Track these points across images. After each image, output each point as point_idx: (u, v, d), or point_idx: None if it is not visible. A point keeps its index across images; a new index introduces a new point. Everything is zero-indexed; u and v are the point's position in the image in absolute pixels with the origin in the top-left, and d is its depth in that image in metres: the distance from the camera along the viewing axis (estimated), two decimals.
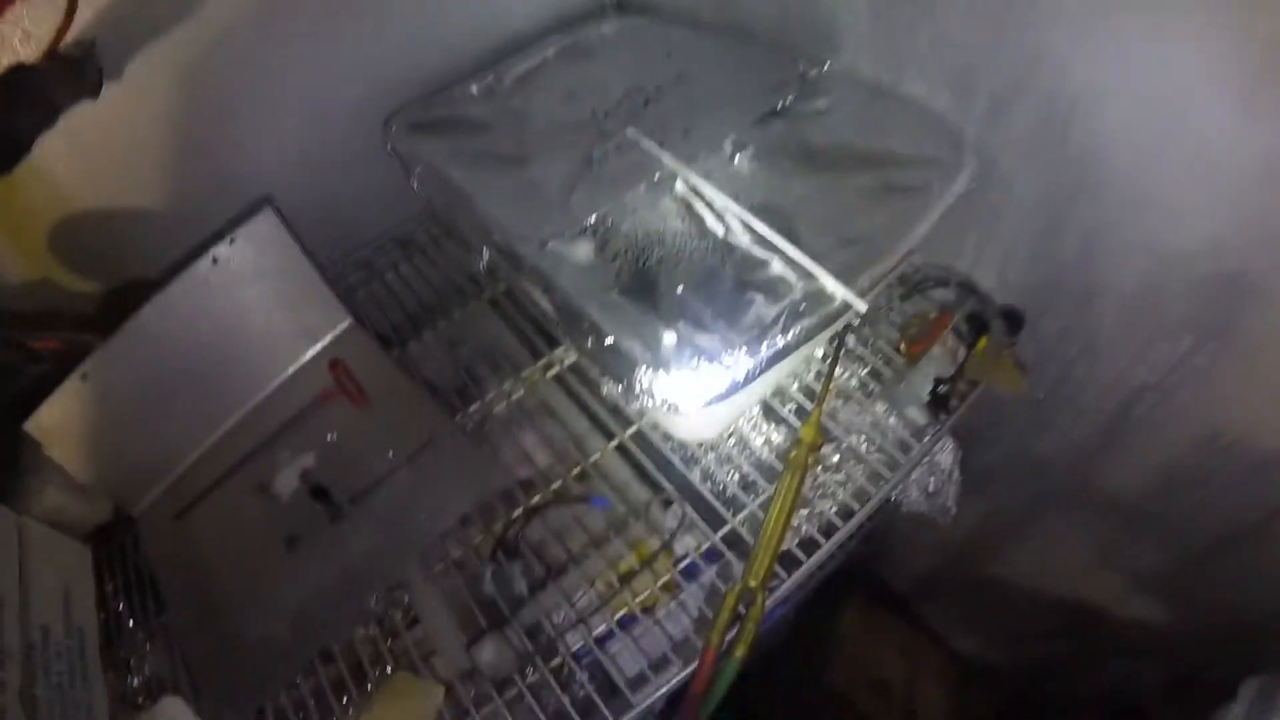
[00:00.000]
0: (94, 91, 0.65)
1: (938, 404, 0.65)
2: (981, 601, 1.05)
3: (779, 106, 0.67)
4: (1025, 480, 0.86)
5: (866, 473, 0.64)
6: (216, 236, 0.72)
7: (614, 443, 0.66)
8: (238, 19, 0.69)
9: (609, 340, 0.52)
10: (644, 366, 0.51)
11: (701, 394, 0.51)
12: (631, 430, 0.66)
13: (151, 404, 0.73)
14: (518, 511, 0.64)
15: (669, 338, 0.52)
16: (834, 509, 0.63)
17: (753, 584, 0.57)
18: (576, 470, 0.66)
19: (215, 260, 0.71)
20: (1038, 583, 0.94)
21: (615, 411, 0.69)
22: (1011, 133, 0.64)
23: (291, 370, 0.78)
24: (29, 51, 0.61)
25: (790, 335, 0.52)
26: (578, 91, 0.72)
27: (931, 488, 0.75)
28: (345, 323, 0.78)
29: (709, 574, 0.61)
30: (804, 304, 0.53)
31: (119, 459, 0.73)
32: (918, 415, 0.65)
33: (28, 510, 0.69)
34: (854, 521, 0.62)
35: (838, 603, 1.08)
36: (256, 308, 0.75)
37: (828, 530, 0.62)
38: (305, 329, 0.78)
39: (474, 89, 0.75)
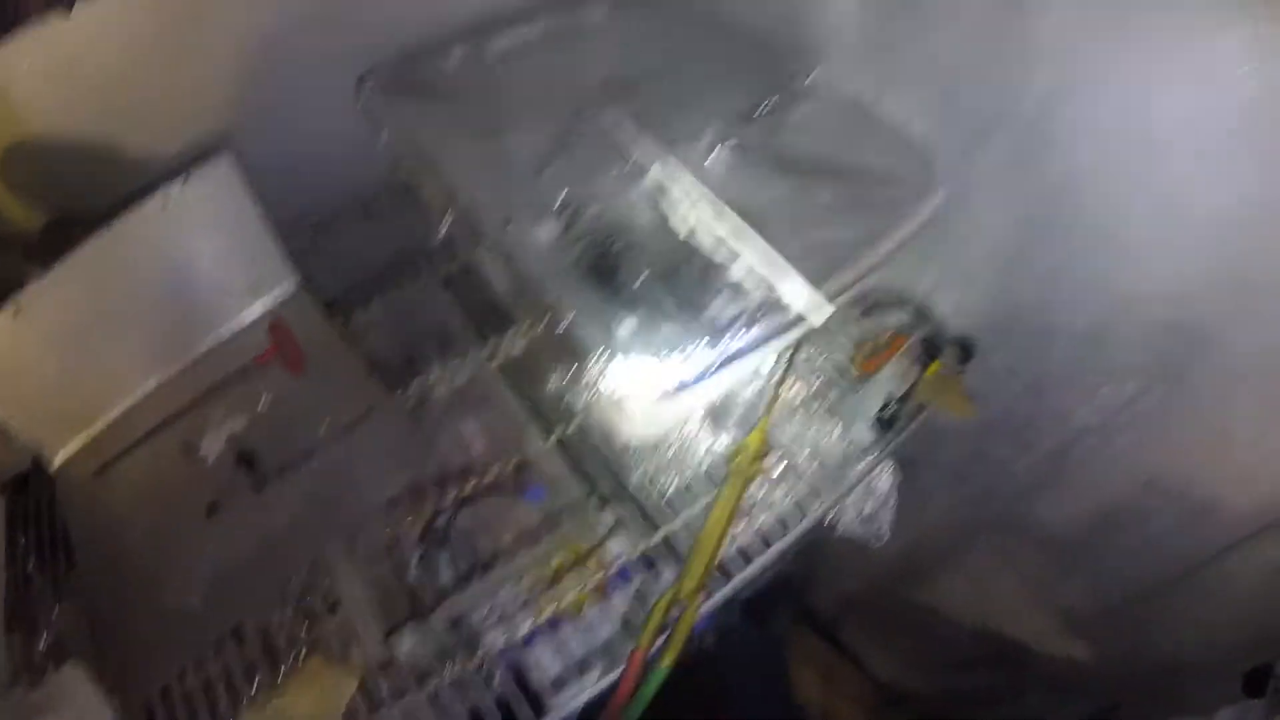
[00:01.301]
0: (69, 6, 0.60)
1: (885, 424, 0.65)
2: (905, 627, 1.06)
3: (759, 109, 0.66)
4: (960, 510, 0.87)
5: (807, 488, 0.63)
6: (171, 177, 0.67)
7: (554, 436, 0.64)
8: None
9: (567, 320, 0.50)
10: (601, 350, 0.49)
11: (656, 384, 0.49)
12: (574, 424, 0.64)
13: (83, 347, 0.68)
14: (449, 498, 0.61)
15: (628, 324, 0.51)
16: (771, 522, 0.62)
17: (685, 592, 0.56)
18: (514, 461, 0.63)
19: (166, 201, 0.67)
20: (963, 612, 0.95)
21: (559, 405, 0.66)
22: (987, 162, 0.64)
23: (231, 327, 0.73)
24: None
25: (748, 338, 0.51)
26: (560, 71, 0.70)
27: (867, 510, 0.75)
28: (291, 284, 0.74)
29: (640, 578, 0.59)
30: (764, 308, 0.52)
31: (43, 404, 0.68)
32: (864, 433, 0.65)
33: None
34: (790, 536, 0.61)
35: (763, 621, 1.06)
36: (202, 256, 0.71)
37: (764, 543, 0.61)
38: (250, 285, 0.74)
39: (456, 56, 0.72)
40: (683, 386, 0.49)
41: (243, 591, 0.60)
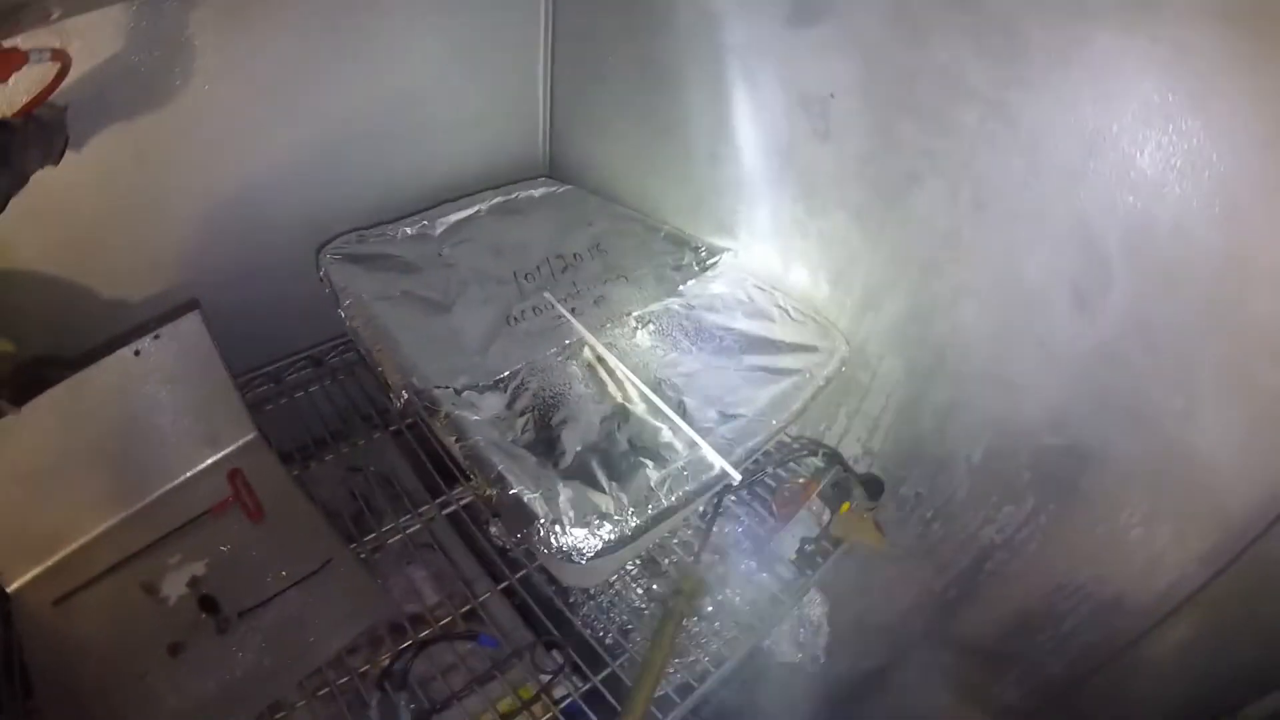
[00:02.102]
0: (58, 158, 0.67)
1: (804, 561, 0.75)
2: None
3: (679, 287, 0.79)
4: (891, 629, 0.95)
5: (738, 624, 0.72)
6: (140, 329, 0.75)
7: (503, 585, 0.72)
8: (200, 114, 0.76)
9: (513, 491, 0.59)
10: (542, 519, 0.58)
11: (592, 548, 0.57)
12: (520, 574, 0.72)
13: (46, 482, 0.74)
14: (407, 644, 0.68)
15: (565, 494, 0.60)
16: (707, 657, 0.70)
17: None
18: (466, 608, 0.71)
19: (137, 352, 0.75)
20: None
21: (504, 553, 0.74)
22: (880, 321, 0.76)
23: (191, 473, 0.81)
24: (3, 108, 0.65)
25: (674, 498, 0.60)
26: (504, 248, 0.82)
27: (802, 638, 0.84)
28: (250, 435, 0.82)
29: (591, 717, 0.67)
30: (687, 470, 0.62)
31: (4, 530, 0.74)
32: (785, 571, 0.75)
33: None
34: (725, 668, 0.69)
35: None
36: (167, 405, 0.78)
37: (701, 677, 0.69)
38: (210, 435, 0.81)
39: (408, 230, 0.84)
40: (616, 547, 0.58)
41: None
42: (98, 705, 0.67)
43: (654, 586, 0.74)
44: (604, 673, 0.68)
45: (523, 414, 0.66)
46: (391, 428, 0.85)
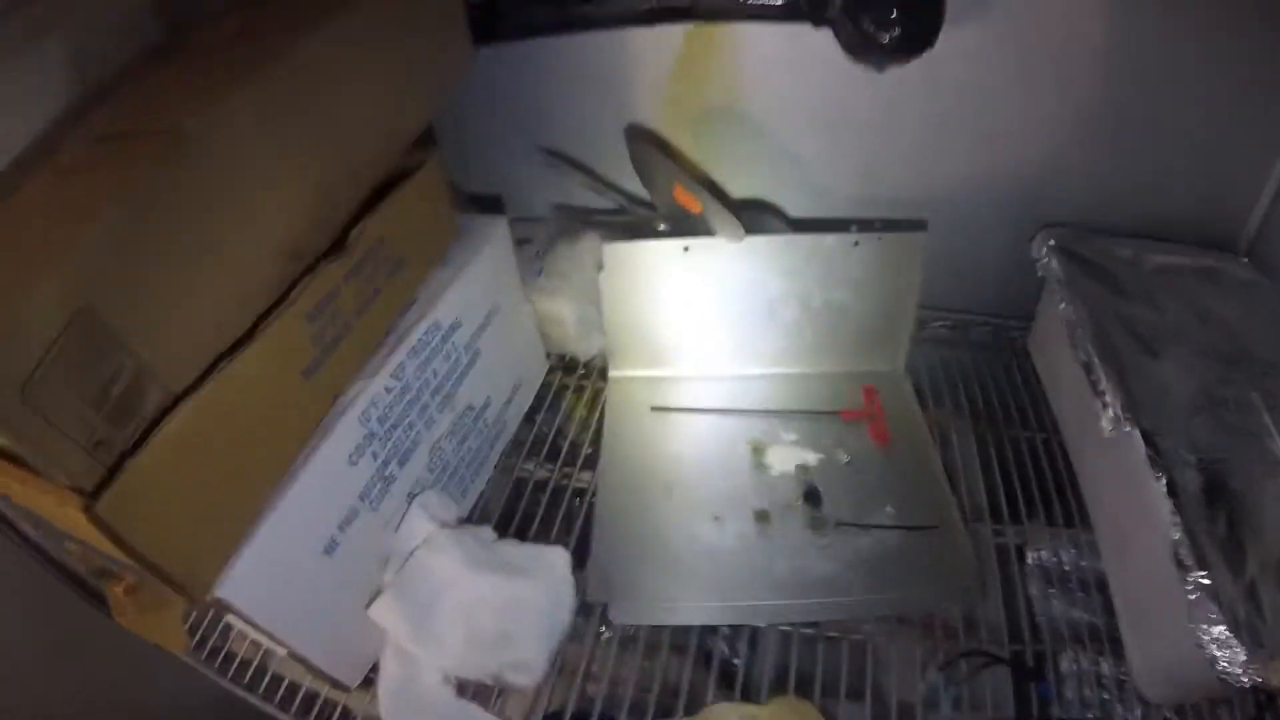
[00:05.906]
0: None
1: None
2: None
3: None
4: None
5: None
6: (866, 225, 0.93)
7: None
8: None
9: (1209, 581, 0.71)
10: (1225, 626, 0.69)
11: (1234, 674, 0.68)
12: None
13: (697, 309, 0.98)
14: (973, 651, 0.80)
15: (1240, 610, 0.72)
16: None
17: None
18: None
19: (856, 243, 0.93)
20: None
21: None
22: None
23: (832, 371, 0.99)
24: None
25: None
26: (1208, 319, 0.91)
27: None
28: (898, 365, 0.99)
29: None
30: None
31: (630, 325, 0.97)
32: None
33: (533, 299, 0.96)
34: None
35: None
36: (852, 303, 0.98)
37: None
38: (871, 344, 0.99)
39: (1124, 252, 0.95)
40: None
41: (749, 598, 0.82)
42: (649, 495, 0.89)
43: None
44: None
45: (1216, 505, 0.78)
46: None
